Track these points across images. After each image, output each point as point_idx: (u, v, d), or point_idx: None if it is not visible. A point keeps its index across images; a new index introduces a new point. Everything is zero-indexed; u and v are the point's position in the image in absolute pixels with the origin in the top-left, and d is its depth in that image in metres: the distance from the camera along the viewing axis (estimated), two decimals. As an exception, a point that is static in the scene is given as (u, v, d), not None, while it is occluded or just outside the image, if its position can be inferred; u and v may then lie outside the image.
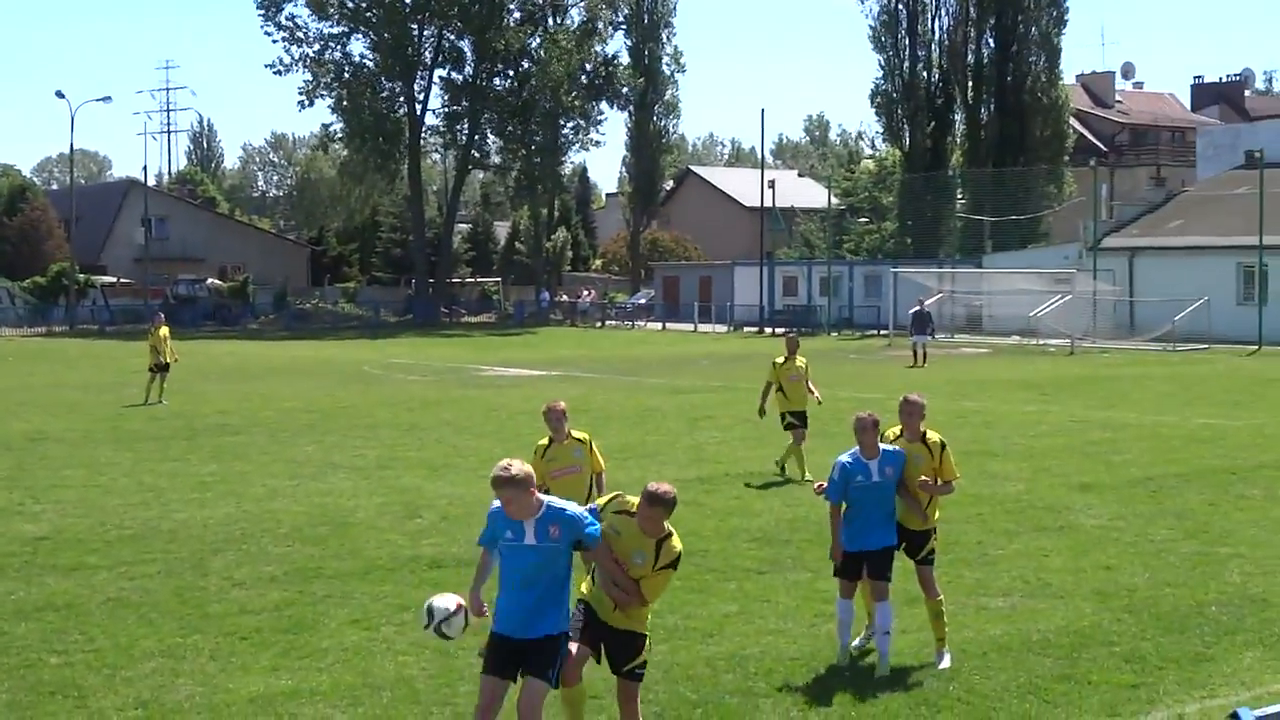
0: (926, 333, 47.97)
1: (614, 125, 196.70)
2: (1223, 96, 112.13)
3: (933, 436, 11.83)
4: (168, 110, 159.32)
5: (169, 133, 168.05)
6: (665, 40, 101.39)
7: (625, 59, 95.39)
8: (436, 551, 15.93)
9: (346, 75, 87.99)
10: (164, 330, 34.90)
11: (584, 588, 9.30)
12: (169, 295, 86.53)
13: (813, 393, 21.78)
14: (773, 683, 10.89)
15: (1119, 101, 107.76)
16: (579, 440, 13.76)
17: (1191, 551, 15.66)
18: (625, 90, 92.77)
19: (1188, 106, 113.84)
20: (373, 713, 10.26)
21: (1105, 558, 15.36)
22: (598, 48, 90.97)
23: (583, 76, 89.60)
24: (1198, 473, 21.53)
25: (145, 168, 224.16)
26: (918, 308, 49.92)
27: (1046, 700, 10.48)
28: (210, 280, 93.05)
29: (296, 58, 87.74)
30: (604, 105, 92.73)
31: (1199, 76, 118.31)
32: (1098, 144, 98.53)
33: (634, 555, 8.99)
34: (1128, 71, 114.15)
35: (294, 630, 12.51)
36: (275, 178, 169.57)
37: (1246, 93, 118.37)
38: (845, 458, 11.53)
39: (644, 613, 9.24)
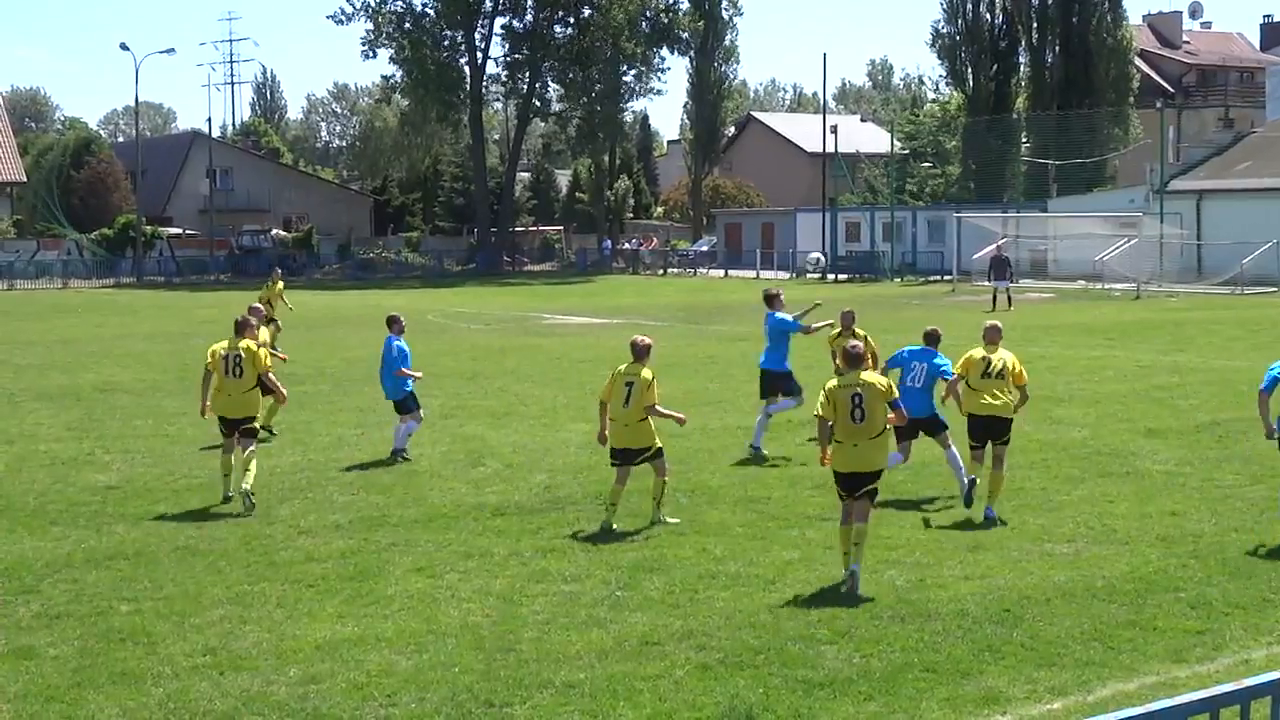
0: (1006, 278, 47.60)
1: (675, 72, 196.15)
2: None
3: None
4: (231, 62, 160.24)
5: (232, 84, 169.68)
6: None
7: (685, 4, 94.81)
8: (500, 499, 16.03)
9: (408, 25, 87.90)
10: (279, 285, 35.40)
11: None
12: (234, 246, 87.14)
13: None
14: (835, 629, 10.90)
15: (1186, 42, 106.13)
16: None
17: (1259, 497, 15.52)
18: (685, 36, 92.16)
19: (1257, 46, 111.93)
20: (437, 659, 10.35)
21: (1171, 503, 15.27)
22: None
23: (643, 23, 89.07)
24: (1266, 417, 21.28)
25: (209, 119, 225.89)
26: (995, 253, 49.66)
27: (1111, 647, 10.44)
28: (275, 231, 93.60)
29: (358, 7, 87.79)
30: (665, 51, 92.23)
31: (1268, 16, 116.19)
32: (1165, 85, 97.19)
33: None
34: (1195, 11, 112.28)
35: (359, 578, 12.63)
36: (338, 128, 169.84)
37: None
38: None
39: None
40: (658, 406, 14.55)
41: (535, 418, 22.67)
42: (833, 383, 12.40)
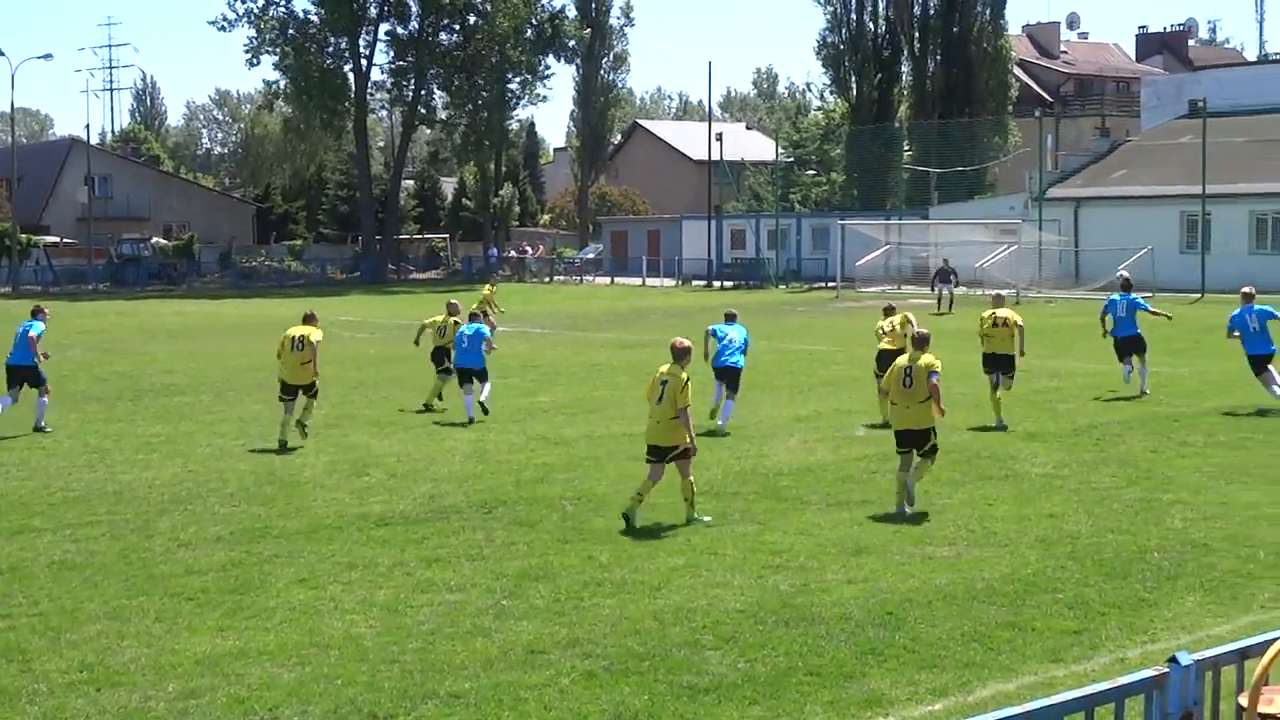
0: (949, 282, 50.28)
1: (562, 80, 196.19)
2: (1166, 46, 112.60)
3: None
4: (110, 68, 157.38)
5: (111, 90, 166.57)
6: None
7: (572, 12, 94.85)
8: (384, 509, 15.91)
9: (291, 31, 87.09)
10: (489, 289, 37.57)
11: None
12: (113, 255, 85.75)
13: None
14: (720, 635, 10.94)
15: (1064, 52, 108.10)
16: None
17: (1134, 498, 15.82)
18: (572, 44, 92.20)
19: (1132, 56, 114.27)
20: (320, 671, 10.24)
21: (1049, 505, 15.51)
22: (544, 1, 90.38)
23: (529, 30, 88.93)
24: (1141, 420, 21.74)
25: (88, 126, 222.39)
26: (940, 264, 52.65)
27: (991, 648, 10.57)
28: (155, 239, 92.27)
29: (241, 13, 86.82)
30: (551, 59, 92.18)
31: (1143, 26, 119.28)
32: (1043, 94, 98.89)
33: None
34: (1072, 22, 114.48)
35: (240, 590, 12.47)
36: (220, 135, 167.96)
37: (1190, 42, 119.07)
38: None
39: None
40: (688, 413, 14.82)
41: (420, 427, 22.55)
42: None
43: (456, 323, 24.90)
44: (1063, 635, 10.86)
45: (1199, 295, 53.05)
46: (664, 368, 15.16)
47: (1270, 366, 22.61)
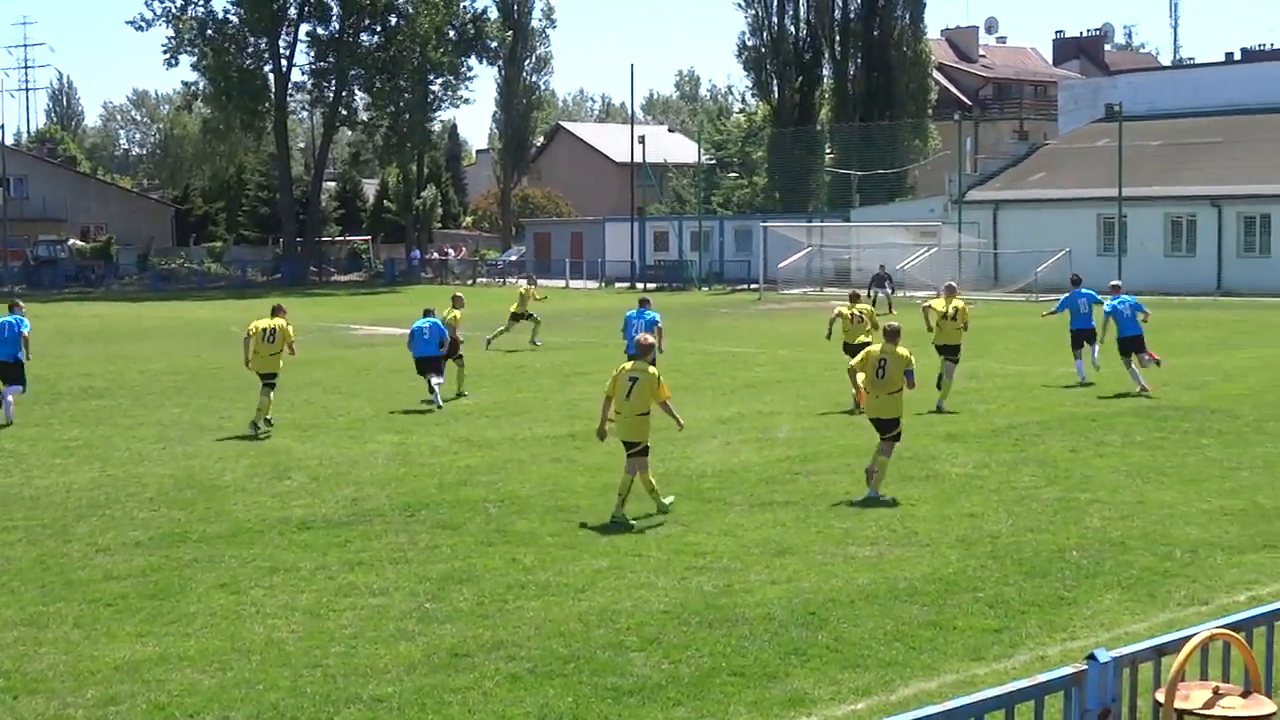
0: (885, 287, 50.50)
1: (484, 82, 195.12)
2: (1083, 51, 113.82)
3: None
4: (25, 67, 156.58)
5: (27, 90, 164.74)
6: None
7: (494, 14, 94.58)
8: (306, 513, 15.80)
9: (210, 32, 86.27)
10: (525, 287, 38.92)
11: None
12: (29, 257, 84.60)
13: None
14: (644, 636, 10.96)
15: (982, 56, 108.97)
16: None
17: (1053, 498, 16.00)
18: (494, 45, 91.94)
19: (1049, 61, 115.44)
20: (241, 677, 10.16)
21: (970, 505, 15.65)
22: (466, 2, 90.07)
23: (451, 31, 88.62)
24: (1059, 420, 21.99)
25: (2, 126, 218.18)
26: (878, 270, 52.89)
27: (913, 647, 10.66)
28: (71, 241, 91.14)
29: (159, 13, 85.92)
30: (473, 61, 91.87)
31: (1060, 31, 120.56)
32: (962, 98, 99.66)
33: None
34: (991, 26, 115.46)
35: (160, 596, 12.35)
36: (138, 136, 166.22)
37: (1106, 47, 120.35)
38: None
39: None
40: (669, 403, 15.41)
41: (342, 430, 22.42)
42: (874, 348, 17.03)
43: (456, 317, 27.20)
44: (983, 634, 10.97)
45: (1116, 297, 53.68)
46: (627, 365, 15.76)
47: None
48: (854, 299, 25.59)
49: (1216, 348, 33.73)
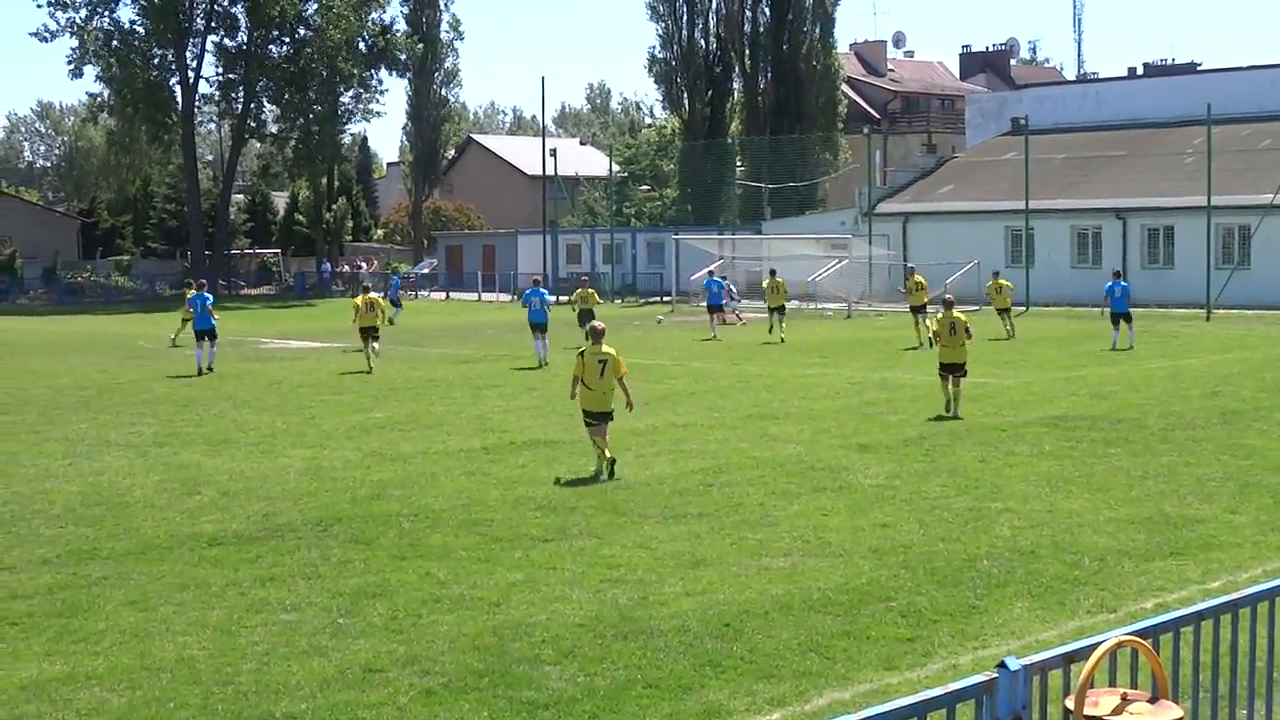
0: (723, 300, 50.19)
1: (395, 94, 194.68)
2: (989, 65, 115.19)
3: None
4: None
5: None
6: (443, 7, 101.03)
7: (403, 26, 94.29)
8: (216, 528, 15.63)
9: (115, 43, 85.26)
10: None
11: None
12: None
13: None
14: (560, 649, 10.94)
15: (891, 70, 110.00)
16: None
17: (964, 507, 16.14)
18: (404, 58, 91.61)
19: (956, 75, 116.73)
20: (151, 695, 10.03)
21: (882, 515, 15.75)
22: (375, 14, 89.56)
23: (360, 44, 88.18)
24: (969, 430, 22.20)
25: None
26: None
27: (827, 657, 10.71)
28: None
29: (63, 24, 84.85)
30: (383, 73, 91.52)
31: (967, 45, 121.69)
32: (871, 111, 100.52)
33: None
34: (899, 40, 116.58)
35: (68, 614, 12.17)
36: (42, 148, 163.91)
37: (1012, 61, 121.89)
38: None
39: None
40: (624, 379, 18.75)
41: (253, 444, 22.20)
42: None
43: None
44: (897, 643, 11.04)
45: (1024, 308, 54.33)
46: (591, 347, 18.70)
47: (1124, 320, 36.93)
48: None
49: (1122, 358, 34.23)
